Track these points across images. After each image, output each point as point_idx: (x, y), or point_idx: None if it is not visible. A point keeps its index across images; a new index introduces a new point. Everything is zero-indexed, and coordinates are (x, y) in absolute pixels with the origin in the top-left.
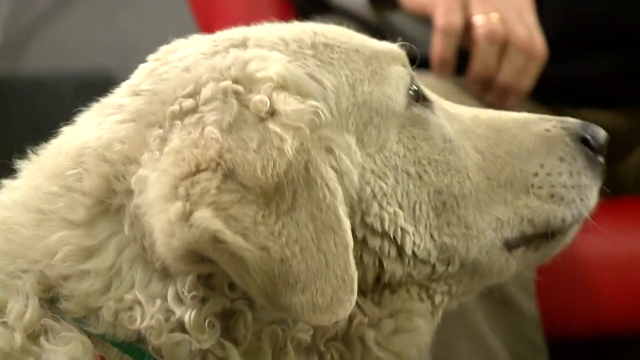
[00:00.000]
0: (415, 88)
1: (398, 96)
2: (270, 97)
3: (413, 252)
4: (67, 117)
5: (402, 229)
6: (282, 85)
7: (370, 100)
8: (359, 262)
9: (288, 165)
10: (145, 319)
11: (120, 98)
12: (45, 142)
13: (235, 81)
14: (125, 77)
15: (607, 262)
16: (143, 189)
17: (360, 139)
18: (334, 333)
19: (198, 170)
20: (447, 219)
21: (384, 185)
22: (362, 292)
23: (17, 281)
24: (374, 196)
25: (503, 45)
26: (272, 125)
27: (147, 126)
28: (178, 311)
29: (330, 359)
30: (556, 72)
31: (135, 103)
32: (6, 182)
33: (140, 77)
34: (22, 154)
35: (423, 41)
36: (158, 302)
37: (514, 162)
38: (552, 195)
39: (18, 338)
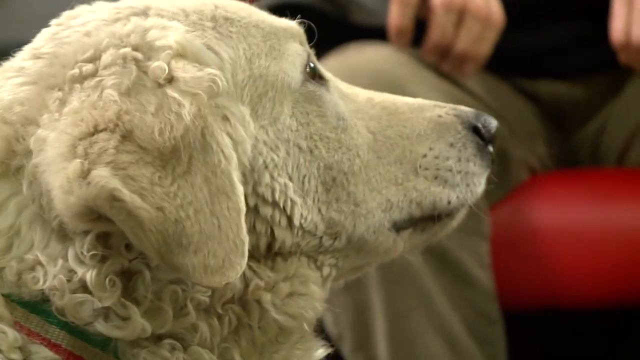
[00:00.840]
0: (312, 66)
1: (294, 72)
2: (168, 64)
3: (301, 224)
4: None
5: (292, 200)
6: (181, 54)
7: (266, 74)
8: (252, 229)
9: (185, 130)
10: (48, 279)
11: (21, 61)
12: None
13: (135, 48)
14: None
15: (562, 234)
16: (42, 148)
17: (255, 111)
18: (231, 296)
19: (96, 131)
20: (337, 195)
21: (275, 157)
22: (255, 258)
23: None
24: (266, 167)
25: (460, 13)
26: (170, 91)
27: (47, 88)
28: (79, 271)
29: (228, 320)
30: (513, 42)
31: (35, 66)
32: None
33: (42, 40)
34: None
35: (380, 11)
36: (60, 262)
37: (404, 143)
38: (436, 177)
39: None
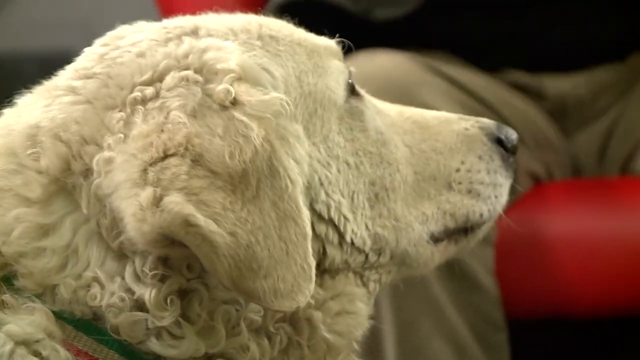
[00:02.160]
0: (351, 82)
1: (338, 89)
2: (232, 88)
3: (351, 240)
4: None
5: (345, 217)
6: (242, 77)
7: (314, 91)
8: None
9: (253, 154)
10: (105, 296)
11: (68, 81)
12: None
13: (196, 70)
14: None
15: (569, 242)
16: (109, 170)
17: (307, 129)
18: (282, 315)
19: (166, 156)
20: (379, 210)
21: (328, 174)
22: None
23: None
24: (321, 184)
25: None
26: (237, 114)
27: (105, 109)
28: (137, 289)
29: (279, 340)
30: (514, 29)
31: (89, 86)
32: None
33: (90, 60)
34: None
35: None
36: (117, 280)
37: (437, 158)
38: (470, 191)
39: None
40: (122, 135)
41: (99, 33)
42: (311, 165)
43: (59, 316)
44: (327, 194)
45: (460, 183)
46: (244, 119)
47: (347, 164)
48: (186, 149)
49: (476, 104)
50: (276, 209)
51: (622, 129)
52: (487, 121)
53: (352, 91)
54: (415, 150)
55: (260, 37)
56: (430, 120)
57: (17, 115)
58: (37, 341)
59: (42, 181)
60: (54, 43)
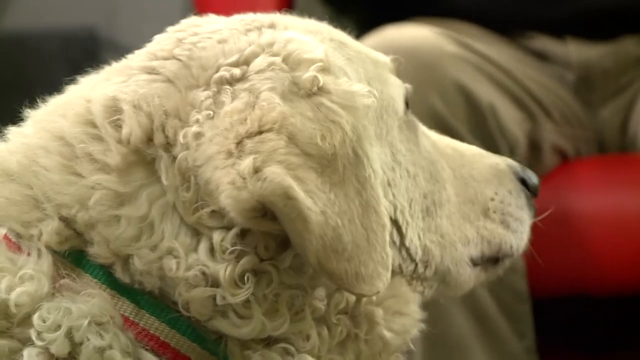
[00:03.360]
0: (408, 97)
1: (399, 99)
2: (319, 75)
3: (408, 245)
4: (51, 74)
5: (407, 221)
6: (327, 68)
7: (381, 97)
8: None
9: (342, 139)
10: (181, 268)
11: (144, 62)
12: (34, 98)
13: (282, 58)
14: (109, 35)
15: (595, 220)
16: (199, 143)
17: (375, 132)
18: (344, 307)
19: (262, 130)
20: (429, 224)
21: (395, 177)
22: None
23: (32, 230)
24: (389, 184)
25: None
26: (325, 101)
27: (188, 87)
28: (211, 265)
29: (339, 331)
30: None
31: (168, 65)
32: (12, 128)
33: (167, 44)
34: (12, 110)
35: None
36: (193, 255)
37: (475, 184)
38: (503, 222)
39: (44, 284)
40: (210, 112)
41: (121, 12)
42: (380, 165)
43: (123, 291)
44: (393, 195)
45: (495, 212)
46: (333, 106)
47: (408, 171)
48: (281, 126)
49: (504, 78)
50: (359, 196)
51: None
52: (511, 161)
53: (407, 106)
54: (457, 174)
55: (332, 40)
56: (466, 150)
57: (89, 89)
58: (101, 324)
59: (122, 150)
60: (74, 21)
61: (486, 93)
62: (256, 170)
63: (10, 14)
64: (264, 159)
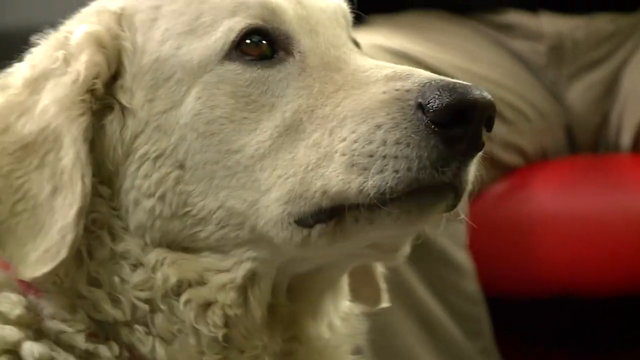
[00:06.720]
0: (257, 40)
1: (216, 51)
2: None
3: (192, 213)
4: None
5: (183, 191)
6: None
7: (178, 54)
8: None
9: (44, 125)
10: None
11: None
12: None
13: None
14: None
15: (547, 220)
16: None
17: (151, 96)
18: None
19: None
20: (242, 181)
21: (164, 144)
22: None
23: None
24: (147, 156)
25: None
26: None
27: None
28: None
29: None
30: None
31: None
32: None
33: None
34: None
35: None
36: None
37: (327, 125)
38: (353, 165)
39: None
40: None
41: None
42: (144, 132)
43: None
44: (154, 166)
45: (343, 155)
46: (42, 96)
47: (197, 131)
48: None
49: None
50: (54, 179)
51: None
52: (415, 82)
53: (260, 50)
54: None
55: None
56: (350, 82)
57: None
58: None
59: None
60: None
61: None
62: None
63: (7, 10)
64: None
